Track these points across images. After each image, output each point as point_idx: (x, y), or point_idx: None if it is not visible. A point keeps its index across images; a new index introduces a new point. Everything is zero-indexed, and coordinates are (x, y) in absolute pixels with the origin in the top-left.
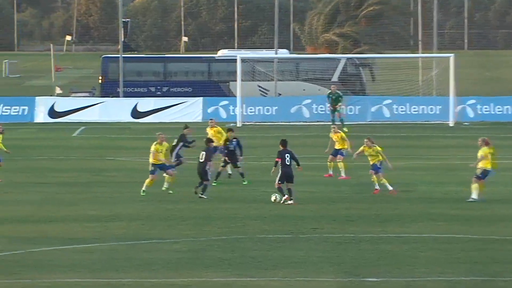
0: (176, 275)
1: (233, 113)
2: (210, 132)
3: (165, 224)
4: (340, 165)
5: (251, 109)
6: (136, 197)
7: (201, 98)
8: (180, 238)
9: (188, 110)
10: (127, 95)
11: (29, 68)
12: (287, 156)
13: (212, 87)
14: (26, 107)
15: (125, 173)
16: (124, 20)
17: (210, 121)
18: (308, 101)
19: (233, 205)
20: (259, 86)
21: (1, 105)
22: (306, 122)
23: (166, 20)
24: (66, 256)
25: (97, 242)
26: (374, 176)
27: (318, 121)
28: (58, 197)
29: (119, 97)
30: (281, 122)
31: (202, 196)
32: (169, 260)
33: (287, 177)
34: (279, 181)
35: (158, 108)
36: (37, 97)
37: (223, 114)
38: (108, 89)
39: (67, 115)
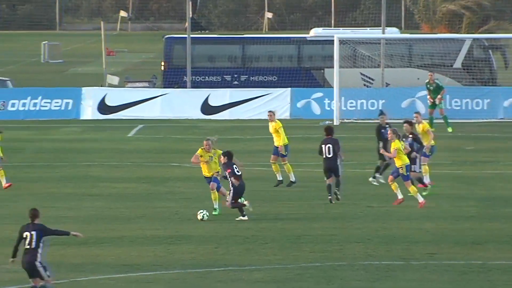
0: None
1: (328, 108)
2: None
3: (244, 247)
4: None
5: (351, 103)
6: (256, 213)
7: (289, 89)
8: (263, 265)
9: (273, 104)
10: (196, 85)
11: (74, 52)
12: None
13: (303, 75)
14: (70, 101)
15: (194, 183)
16: None
17: (269, 113)
18: (424, 92)
19: (328, 223)
20: (362, 74)
21: (40, 97)
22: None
23: None
24: (119, 287)
25: (158, 269)
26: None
27: (436, 118)
28: (110, 213)
29: (186, 87)
30: (390, 119)
31: (338, 194)
32: None
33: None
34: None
35: (234, 102)
36: (83, 88)
37: (316, 109)
38: (173, 78)
39: (121, 110)
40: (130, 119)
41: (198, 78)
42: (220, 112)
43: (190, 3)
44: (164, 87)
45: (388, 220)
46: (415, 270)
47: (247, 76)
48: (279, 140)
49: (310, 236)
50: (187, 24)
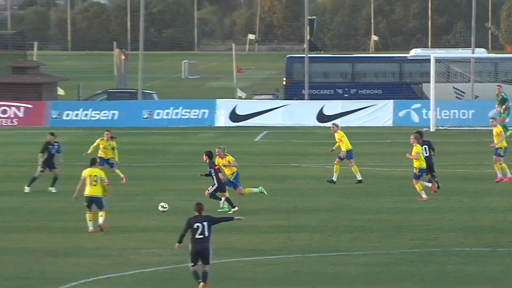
0: None
1: (426, 117)
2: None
3: (352, 235)
4: (498, 166)
5: (445, 112)
6: (322, 206)
7: (392, 101)
8: (369, 250)
9: (378, 113)
10: (312, 97)
11: (209, 69)
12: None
13: (404, 89)
14: (206, 110)
15: (310, 181)
16: (310, 18)
17: (332, 126)
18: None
19: (425, 215)
20: (455, 88)
21: (181, 107)
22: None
23: (355, 18)
24: (248, 269)
25: (280, 254)
26: None
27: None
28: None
29: (304, 99)
30: (478, 127)
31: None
32: (357, 274)
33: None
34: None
35: (345, 112)
36: (218, 100)
37: (415, 117)
38: (293, 91)
39: (249, 118)
40: (256, 126)
41: (314, 92)
42: (333, 120)
43: (308, 27)
44: (285, 99)
45: (477, 213)
46: (501, 256)
47: (356, 90)
48: (344, 146)
49: (409, 226)
50: (305, 45)
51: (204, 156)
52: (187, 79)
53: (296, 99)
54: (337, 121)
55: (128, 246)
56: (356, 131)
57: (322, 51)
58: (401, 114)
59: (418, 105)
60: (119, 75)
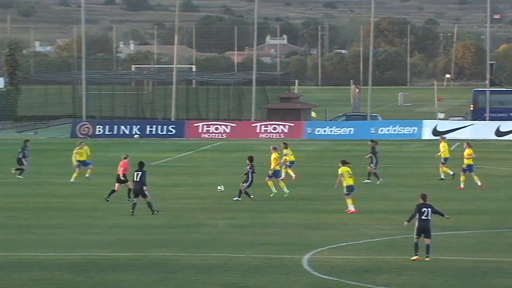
0: None
1: None
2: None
3: None
4: None
5: None
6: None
7: None
8: None
9: None
10: (492, 119)
11: (417, 99)
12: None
13: None
14: (415, 128)
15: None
16: (490, 62)
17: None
18: None
19: None
20: None
21: (398, 125)
22: None
23: None
24: (448, 240)
25: (468, 229)
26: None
27: None
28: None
29: (485, 120)
30: None
31: None
32: None
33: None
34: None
35: None
36: (424, 120)
37: None
38: (477, 114)
39: (446, 133)
40: (451, 139)
41: (493, 115)
42: (507, 135)
43: (489, 69)
44: (472, 120)
45: None
46: None
47: None
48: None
49: None
50: (487, 82)
51: (248, 161)
52: (402, 105)
53: (480, 120)
54: (510, 136)
55: (360, 223)
56: None
57: (499, 86)
58: None
59: None
60: (354, 103)
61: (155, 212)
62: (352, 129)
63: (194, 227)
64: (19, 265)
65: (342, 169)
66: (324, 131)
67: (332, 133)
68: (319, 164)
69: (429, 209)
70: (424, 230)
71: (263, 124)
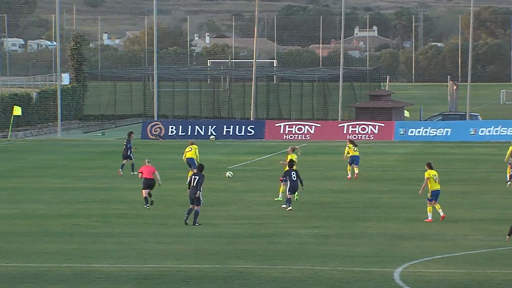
0: None
1: None
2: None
3: None
4: None
5: None
6: None
7: None
8: None
9: None
10: None
11: None
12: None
13: None
14: None
15: None
16: None
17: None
18: None
19: None
20: None
21: (500, 126)
22: None
23: None
24: None
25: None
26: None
27: None
28: None
29: None
30: None
31: None
32: None
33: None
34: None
35: None
36: None
37: None
38: None
39: None
40: None
41: None
42: None
43: None
44: None
45: None
46: None
47: None
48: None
49: None
50: None
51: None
52: (504, 104)
53: None
54: None
55: (458, 233)
56: None
57: None
58: None
59: None
60: (451, 101)
61: (197, 224)
62: (449, 130)
63: (275, 236)
64: (85, 277)
65: (429, 173)
66: (418, 132)
67: (427, 134)
68: (412, 168)
69: None
70: None
71: (350, 124)
